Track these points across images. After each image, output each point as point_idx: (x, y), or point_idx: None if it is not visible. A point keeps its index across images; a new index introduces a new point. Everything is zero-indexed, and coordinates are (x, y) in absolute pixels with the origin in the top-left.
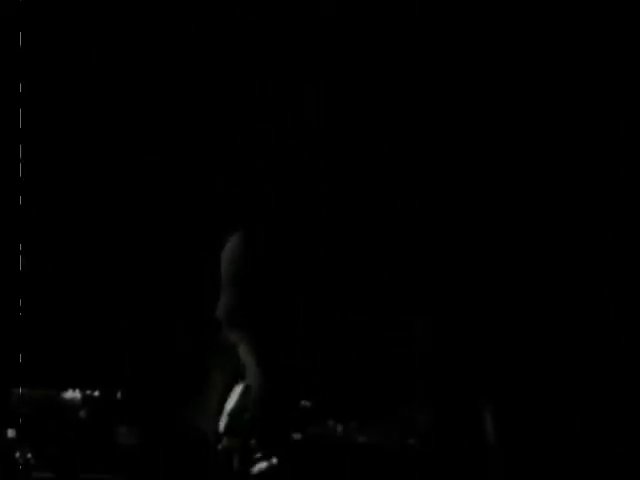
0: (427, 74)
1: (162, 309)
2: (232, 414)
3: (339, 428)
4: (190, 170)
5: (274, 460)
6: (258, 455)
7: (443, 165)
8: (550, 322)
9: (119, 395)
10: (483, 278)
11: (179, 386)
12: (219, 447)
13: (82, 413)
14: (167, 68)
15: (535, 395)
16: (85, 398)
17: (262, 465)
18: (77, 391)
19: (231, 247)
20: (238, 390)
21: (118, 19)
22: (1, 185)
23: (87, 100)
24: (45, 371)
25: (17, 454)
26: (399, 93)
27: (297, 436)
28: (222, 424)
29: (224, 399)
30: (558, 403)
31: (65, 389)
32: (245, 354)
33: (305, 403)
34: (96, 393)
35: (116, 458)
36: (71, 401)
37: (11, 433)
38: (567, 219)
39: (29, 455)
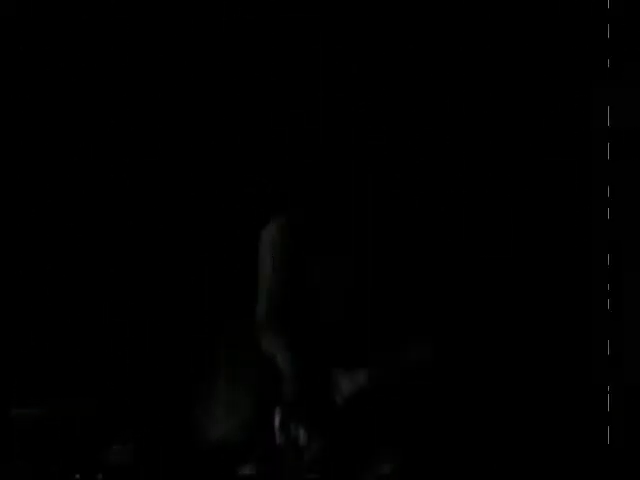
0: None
1: (164, 319)
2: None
3: None
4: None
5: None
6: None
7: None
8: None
9: (113, 412)
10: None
11: (181, 398)
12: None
13: (77, 431)
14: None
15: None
16: (80, 415)
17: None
18: (73, 408)
19: (272, 233)
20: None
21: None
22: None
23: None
24: (42, 388)
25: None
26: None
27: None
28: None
29: (239, 402)
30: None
31: (61, 407)
32: (285, 363)
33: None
34: (91, 407)
35: (109, 476)
36: (67, 418)
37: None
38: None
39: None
